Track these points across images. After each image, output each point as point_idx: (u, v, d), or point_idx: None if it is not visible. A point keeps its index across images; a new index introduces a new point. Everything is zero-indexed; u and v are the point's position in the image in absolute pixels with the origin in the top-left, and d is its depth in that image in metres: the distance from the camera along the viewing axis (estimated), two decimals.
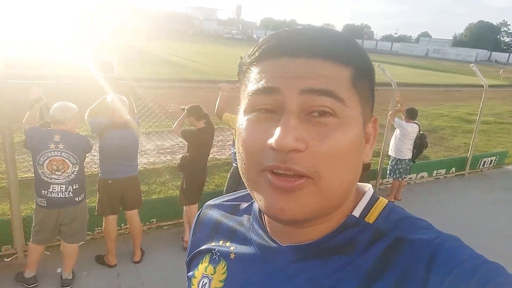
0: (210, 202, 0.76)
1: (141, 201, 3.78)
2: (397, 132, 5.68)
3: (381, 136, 8.02)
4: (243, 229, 0.65)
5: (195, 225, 0.75)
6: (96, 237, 4.00)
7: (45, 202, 3.06)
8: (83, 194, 3.24)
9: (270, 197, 0.50)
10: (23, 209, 3.93)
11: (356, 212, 0.57)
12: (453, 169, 7.29)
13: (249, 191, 0.55)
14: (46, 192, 3.04)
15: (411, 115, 5.60)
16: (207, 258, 0.67)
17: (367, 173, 5.47)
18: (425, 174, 6.90)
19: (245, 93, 0.54)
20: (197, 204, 3.98)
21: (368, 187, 0.62)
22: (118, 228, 3.88)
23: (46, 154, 2.99)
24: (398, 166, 5.70)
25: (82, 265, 3.53)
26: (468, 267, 0.47)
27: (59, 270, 3.39)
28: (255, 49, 0.54)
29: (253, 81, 0.52)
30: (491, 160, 7.93)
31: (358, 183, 0.60)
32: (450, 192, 6.60)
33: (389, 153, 5.86)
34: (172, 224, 4.43)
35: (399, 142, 5.64)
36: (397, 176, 5.74)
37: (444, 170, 7.16)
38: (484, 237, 4.73)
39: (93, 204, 4.58)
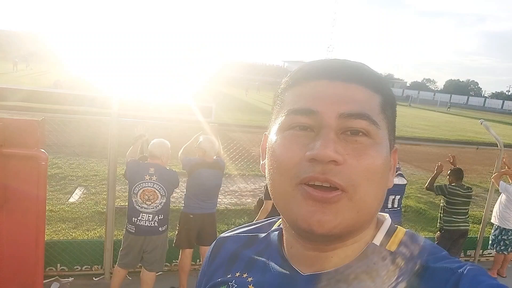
0: (224, 234, 0.75)
1: (216, 237, 3.88)
2: (502, 197, 5.01)
3: (483, 201, 7.14)
4: (262, 259, 0.64)
5: (209, 257, 0.74)
6: (172, 269, 4.18)
7: (134, 229, 3.35)
8: (166, 225, 3.48)
9: (307, 210, 0.50)
10: (116, 234, 4.33)
11: (377, 240, 0.57)
12: None
13: (279, 209, 0.55)
14: (136, 219, 3.34)
15: None
16: None
17: (464, 240, 4.85)
18: None
19: (280, 113, 0.57)
20: None
21: (386, 216, 0.62)
22: (193, 263, 4.01)
23: (141, 184, 3.33)
24: (503, 237, 4.96)
25: None
26: None
27: None
28: (293, 73, 0.58)
29: (291, 101, 0.55)
30: None
31: None
32: None
33: (492, 220, 5.16)
34: None
35: (504, 209, 4.95)
36: (502, 248, 4.97)
37: None
38: None
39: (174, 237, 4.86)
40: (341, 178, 0.49)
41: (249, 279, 0.63)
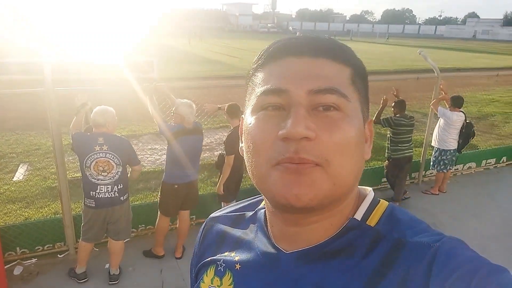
0: (214, 214, 0.77)
1: (197, 201, 3.92)
2: (440, 121, 5.42)
3: (423, 126, 7.69)
4: (248, 239, 0.66)
5: (200, 238, 0.76)
6: (139, 234, 4.19)
7: (94, 202, 3.23)
8: (126, 194, 3.41)
9: (284, 184, 0.51)
10: (73, 207, 4.19)
11: (358, 215, 0.58)
12: (504, 158, 6.84)
13: (258, 189, 0.56)
14: (94, 193, 3.21)
15: (456, 103, 5.32)
16: (212, 270, 0.67)
17: (410, 165, 5.27)
18: (473, 164, 6.53)
19: (252, 95, 0.57)
20: (234, 201, 4.04)
21: (369, 191, 0.63)
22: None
23: (93, 156, 3.17)
24: (443, 157, 5.45)
25: (128, 261, 3.71)
26: (468, 269, 0.47)
27: (107, 266, 3.59)
28: (262, 53, 0.58)
29: (261, 82, 0.55)
30: None
31: (359, 187, 0.62)
32: (502, 183, 6.20)
33: (432, 143, 5.62)
34: None
35: (443, 132, 5.38)
36: (442, 167, 5.48)
37: (494, 159, 6.74)
38: None
39: (137, 202, 4.81)
40: (314, 155, 0.50)
41: (236, 258, 0.64)
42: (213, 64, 20.72)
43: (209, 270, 0.68)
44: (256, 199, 0.74)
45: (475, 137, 5.88)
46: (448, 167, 5.50)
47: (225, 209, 0.77)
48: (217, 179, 4.40)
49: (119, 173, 3.26)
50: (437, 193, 5.58)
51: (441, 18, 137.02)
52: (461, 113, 5.32)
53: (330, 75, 0.52)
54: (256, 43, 43.12)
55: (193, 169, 3.69)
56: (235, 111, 3.89)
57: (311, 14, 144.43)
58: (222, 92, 8.98)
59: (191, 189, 3.74)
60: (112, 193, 3.25)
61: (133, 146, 3.51)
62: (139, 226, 4.17)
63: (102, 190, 3.22)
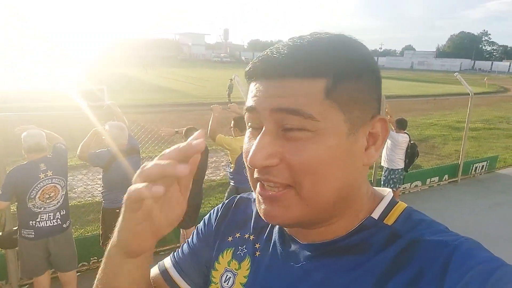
0: (244, 195, 0.78)
1: None
2: (388, 143, 5.75)
3: None
4: (269, 228, 0.68)
5: (229, 208, 0.75)
6: (91, 268, 3.93)
7: (33, 233, 2.96)
8: (69, 221, 3.19)
9: (262, 205, 0.55)
10: None
11: (375, 214, 0.58)
12: (446, 176, 7.37)
13: None
14: (34, 222, 2.95)
15: (401, 125, 5.69)
16: (229, 252, 0.69)
17: None
18: (418, 182, 6.96)
19: None
20: (194, 227, 3.95)
21: (387, 191, 0.63)
22: None
23: (39, 185, 2.94)
24: (392, 176, 5.75)
25: None
26: (484, 269, 0.47)
27: None
28: (246, 70, 0.58)
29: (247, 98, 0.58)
30: (483, 166, 8.04)
31: (376, 187, 0.63)
32: (445, 199, 6.64)
33: (382, 163, 5.92)
34: (169, 249, 4.37)
35: (390, 152, 5.71)
36: (391, 186, 5.77)
37: (437, 177, 7.24)
38: (483, 242, 4.70)
39: (88, 234, 4.55)
40: (282, 178, 0.51)
41: (257, 245, 0.67)
42: (165, 92, 20.57)
43: (225, 252, 0.69)
44: None
45: (418, 158, 6.30)
46: (397, 185, 5.81)
47: (253, 194, 0.77)
48: None
49: (63, 197, 3.09)
50: None
51: (381, 50, 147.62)
52: (405, 134, 5.70)
53: (296, 94, 0.50)
54: (209, 71, 43.60)
55: None
56: (192, 135, 3.89)
57: (263, 45, 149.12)
58: (177, 116, 8.92)
59: None
60: (54, 220, 3.02)
61: (82, 176, 3.35)
62: (91, 259, 3.92)
63: (43, 218, 2.97)
